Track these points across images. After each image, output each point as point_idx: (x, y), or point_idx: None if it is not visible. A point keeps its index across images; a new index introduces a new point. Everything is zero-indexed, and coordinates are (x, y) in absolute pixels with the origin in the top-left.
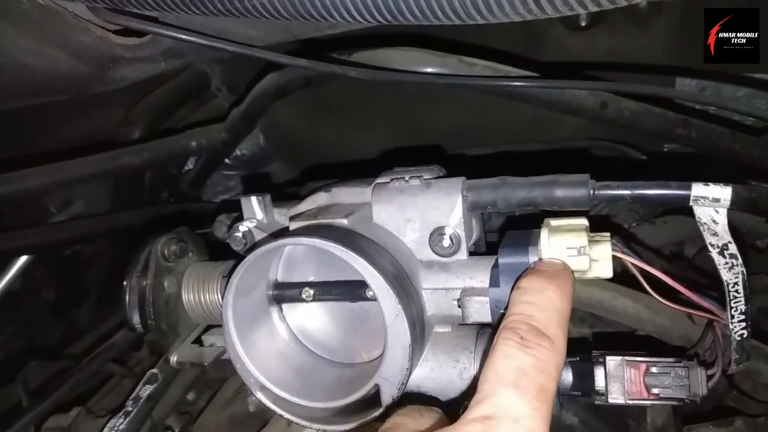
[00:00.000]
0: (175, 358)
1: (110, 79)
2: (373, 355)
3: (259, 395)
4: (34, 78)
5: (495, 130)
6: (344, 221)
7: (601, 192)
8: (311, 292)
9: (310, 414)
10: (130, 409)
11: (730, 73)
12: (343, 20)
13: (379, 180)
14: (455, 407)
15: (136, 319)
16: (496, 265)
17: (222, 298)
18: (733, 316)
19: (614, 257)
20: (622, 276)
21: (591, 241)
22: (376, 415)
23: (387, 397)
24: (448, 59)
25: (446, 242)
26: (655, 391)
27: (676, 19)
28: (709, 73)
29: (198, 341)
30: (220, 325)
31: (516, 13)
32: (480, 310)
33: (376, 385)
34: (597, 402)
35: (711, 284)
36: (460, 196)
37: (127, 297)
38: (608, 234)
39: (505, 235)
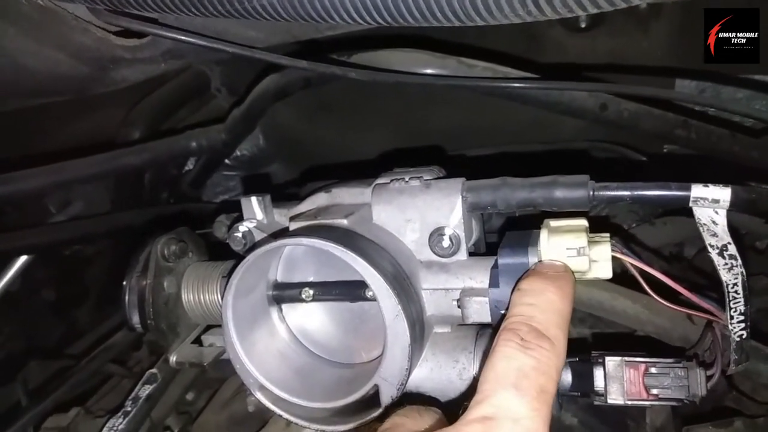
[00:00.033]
0: (174, 358)
1: (110, 80)
2: (373, 356)
3: (259, 395)
4: (34, 79)
5: (495, 131)
6: (344, 222)
7: (601, 193)
8: (311, 292)
9: (310, 414)
10: (129, 409)
11: (730, 75)
12: (343, 22)
13: (379, 181)
14: (455, 408)
15: (135, 319)
16: (495, 266)
17: (222, 299)
18: (732, 317)
19: (614, 258)
20: (621, 277)
21: (590, 242)
22: (375, 416)
23: (386, 397)
24: (447, 60)
25: (446, 243)
26: (655, 391)
27: (676, 20)
28: (708, 75)
29: (197, 341)
30: (219, 325)
31: (515, 14)
32: (479, 311)
33: (376, 386)
34: (596, 402)
35: (710, 285)
36: (460, 196)
37: (126, 297)
38: (608, 235)
39: (504, 235)
